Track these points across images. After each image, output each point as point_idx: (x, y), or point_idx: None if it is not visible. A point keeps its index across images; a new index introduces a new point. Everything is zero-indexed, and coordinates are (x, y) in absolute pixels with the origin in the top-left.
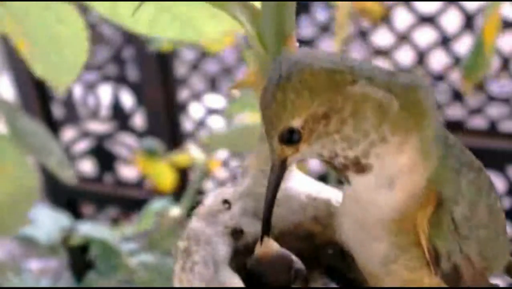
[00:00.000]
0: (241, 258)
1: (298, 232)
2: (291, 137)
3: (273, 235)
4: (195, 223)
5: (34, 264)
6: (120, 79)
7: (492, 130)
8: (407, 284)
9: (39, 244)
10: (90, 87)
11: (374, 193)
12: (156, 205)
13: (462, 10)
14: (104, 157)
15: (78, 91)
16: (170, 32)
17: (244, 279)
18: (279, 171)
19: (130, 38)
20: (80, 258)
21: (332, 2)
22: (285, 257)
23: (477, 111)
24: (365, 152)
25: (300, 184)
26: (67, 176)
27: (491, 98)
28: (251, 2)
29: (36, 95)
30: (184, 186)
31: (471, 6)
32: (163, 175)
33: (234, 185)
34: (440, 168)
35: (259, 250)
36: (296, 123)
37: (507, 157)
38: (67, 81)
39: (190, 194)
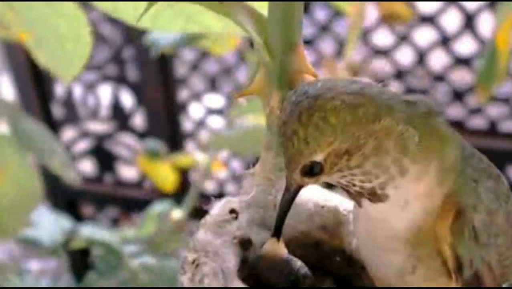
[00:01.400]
0: (250, 266)
1: (306, 240)
2: (312, 170)
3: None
4: (202, 234)
5: (34, 265)
6: (120, 79)
7: (492, 130)
8: None
9: (41, 246)
10: (90, 87)
11: (386, 214)
12: (158, 207)
13: (462, 10)
14: (104, 157)
15: (78, 91)
16: (173, 27)
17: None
18: (294, 193)
19: (130, 38)
20: (80, 259)
21: (332, 2)
22: (287, 262)
23: (477, 111)
24: (382, 185)
25: (308, 192)
26: (70, 176)
27: (491, 98)
28: (258, 10)
29: (36, 95)
30: (185, 187)
31: (471, 6)
32: (165, 176)
33: (240, 193)
34: (458, 180)
35: (266, 249)
36: (319, 158)
37: (507, 157)
38: (70, 74)
39: (192, 196)
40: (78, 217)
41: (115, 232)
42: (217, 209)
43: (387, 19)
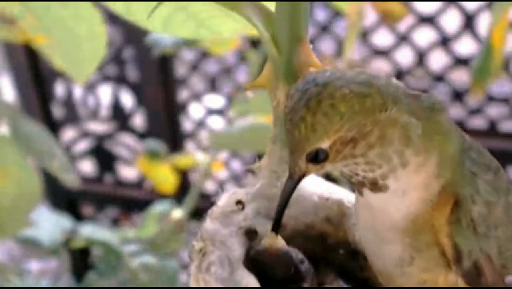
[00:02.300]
0: (254, 256)
1: (310, 232)
2: (317, 157)
3: (286, 235)
4: (209, 224)
5: (34, 265)
6: (120, 79)
7: (492, 130)
8: (421, 284)
9: (41, 246)
10: (90, 87)
11: (385, 204)
12: (158, 207)
13: (462, 10)
14: (104, 157)
15: (78, 91)
16: (185, 31)
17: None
18: (297, 182)
19: (130, 38)
20: (80, 259)
21: (333, 2)
22: (287, 255)
23: (477, 111)
24: (384, 175)
25: (312, 184)
26: (69, 179)
27: (491, 98)
28: (265, 5)
29: (36, 95)
30: (185, 187)
31: (471, 6)
32: (165, 177)
33: (246, 186)
34: (457, 172)
35: (265, 242)
36: (325, 145)
37: (507, 157)
38: (85, 74)
39: (193, 196)
40: (78, 217)
41: (115, 232)
42: (223, 200)
43: (384, 18)
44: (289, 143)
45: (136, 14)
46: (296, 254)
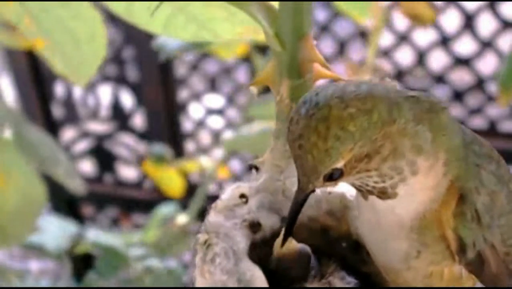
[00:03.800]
0: (259, 250)
1: (313, 225)
2: (332, 176)
3: None
4: (213, 217)
5: (34, 265)
6: (120, 79)
7: (492, 130)
8: (427, 277)
9: (47, 251)
10: (90, 87)
11: (392, 207)
12: (163, 209)
13: (462, 10)
14: (104, 157)
15: (78, 91)
16: (185, 34)
17: (268, 275)
18: (308, 194)
19: (130, 38)
20: (81, 260)
21: (334, 2)
22: (303, 253)
23: (477, 111)
24: (394, 184)
25: None
26: (74, 186)
27: (491, 98)
28: (269, 2)
29: (36, 95)
30: (190, 189)
31: (471, 6)
32: (171, 181)
33: (250, 180)
34: (461, 167)
35: (279, 250)
36: (340, 164)
37: (507, 157)
38: (86, 76)
39: (198, 199)
40: (78, 217)
41: (119, 235)
42: (227, 193)
43: (414, 22)
44: (302, 167)
45: (137, 16)
46: (307, 248)
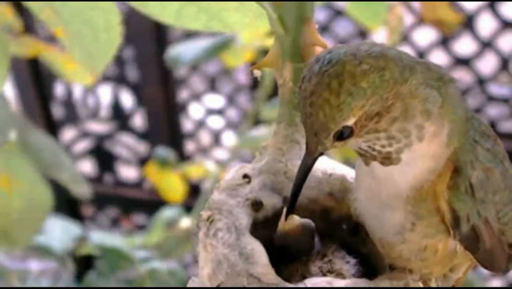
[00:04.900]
0: (261, 229)
1: (314, 207)
2: (342, 134)
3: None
4: (216, 195)
5: (34, 265)
6: (120, 79)
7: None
8: (421, 250)
9: (52, 253)
10: (90, 87)
11: (392, 174)
12: (167, 212)
13: (462, 10)
14: (104, 157)
15: (78, 91)
16: (196, 24)
17: (271, 253)
18: (316, 157)
19: (130, 38)
20: (81, 260)
21: (335, 2)
22: (307, 226)
23: (476, 111)
24: (400, 149)
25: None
26: (80, 191)
27: (491, 98)
28: None
29: (36, 95)
30: (193, 193)
31: (471, 6)
32: (174, 186)
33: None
34: (462, 141)
35: (282, 225)
36: (351, 122)
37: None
38: (102, 64)
39: (202, 204)
40: (78, 217)
41: (123, 238)
42: (231, 174)
43: (438, 27)
44: (312, 126)
45: (150, 6)
46: (311, 222)
